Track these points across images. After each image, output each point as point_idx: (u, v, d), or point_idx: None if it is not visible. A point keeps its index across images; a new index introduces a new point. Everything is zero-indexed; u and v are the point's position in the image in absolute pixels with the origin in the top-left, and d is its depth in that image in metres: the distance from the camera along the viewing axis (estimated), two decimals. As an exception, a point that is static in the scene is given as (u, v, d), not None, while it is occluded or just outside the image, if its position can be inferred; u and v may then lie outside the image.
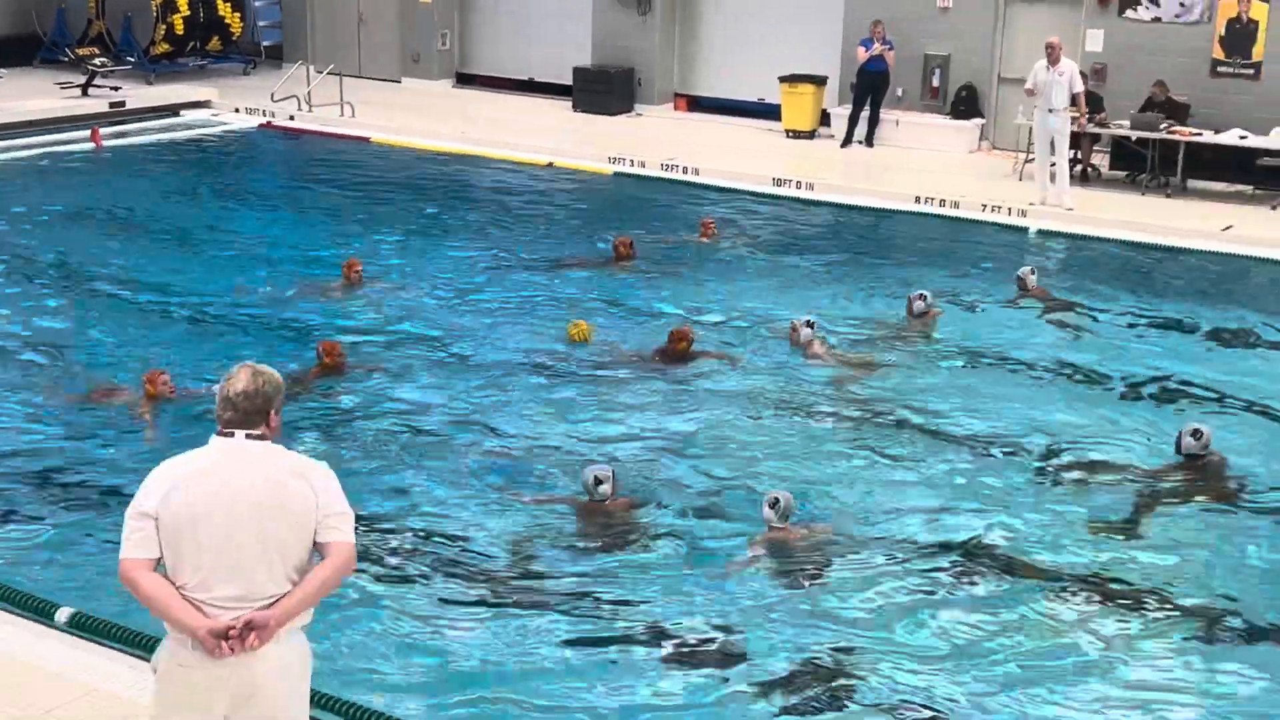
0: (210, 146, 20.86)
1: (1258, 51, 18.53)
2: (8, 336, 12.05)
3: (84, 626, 6.94)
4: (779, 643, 7.45)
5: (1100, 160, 18.74)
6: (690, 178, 18.75)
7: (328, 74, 22.14)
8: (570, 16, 23.58)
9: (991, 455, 10.06)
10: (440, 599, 7.87)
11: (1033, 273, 13.80)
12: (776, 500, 8.48)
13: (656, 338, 12.02)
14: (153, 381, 10.24)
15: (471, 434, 10.23)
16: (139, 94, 22.57)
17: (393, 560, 8.24)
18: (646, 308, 13.24)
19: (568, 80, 23.25)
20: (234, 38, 25.41)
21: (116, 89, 22.40)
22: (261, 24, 25.60)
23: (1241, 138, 17.58)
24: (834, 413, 10.79)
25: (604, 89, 22.72)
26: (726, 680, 7.11)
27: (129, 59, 23.97)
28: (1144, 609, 7.94)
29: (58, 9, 24.99)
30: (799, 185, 18.20)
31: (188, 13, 24.33)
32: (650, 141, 20.56)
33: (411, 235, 15.79)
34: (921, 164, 19.28)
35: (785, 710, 6.89)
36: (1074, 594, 8.08)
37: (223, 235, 15.58)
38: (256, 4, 25.49)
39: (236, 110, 22.34)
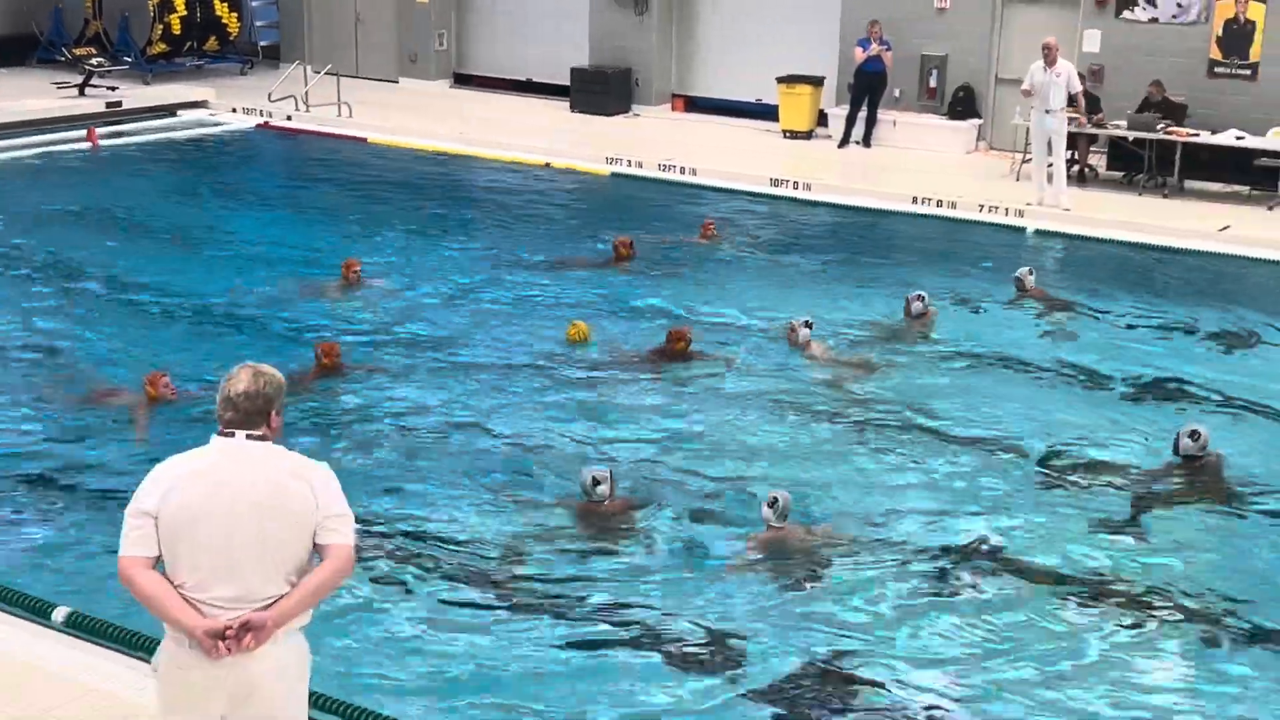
0: (207, 147, 20.85)
1: (1255, 52, 18.56)
2: (7, 337, 12.04)
3: (81, 626, 6.95)
4: (778, 644, 7.45)
5: (1097, 161, 18.75)
6: (687, 178, 18.75)
7: (325, 74, 22.13)
8: (567, 17, 23.59)
9: (989, 455, 10.06)
10: (438, 600, 7.87)
11: (1031, 273, 13.81)
12: (775, 500, 8.49)
13: (656, 338, 12.03)
14: (153, 383, 10.24)
15: (470, 435, 10.23)
16: (136, 94, 22.56)
17: (391, 561, 8.23)
18: (646, 308, 13.24)
19: (565, 81, 23.25)
20: (231, 38, 25.38)
21: (113, 89, 22.39)
22: (258, 24, 25.59)
23: (1238, 138, 17.60)
24: (832, 413, 10.79)
25: (601, 89, 22.72)
26: (726, 681, 7.11)
27: (126, 59, 23.95)
28: (1142, 609, 7.94)
29: (54, 9, 24.98)
30: (796, 186, 18.21)
31: (185, 13, 24.31)
32: (647, 142, 20.56)
33: (409, 235, 15.78)
34: (919, 164, 19.29)
35: (784, 711, 6.88)
36: (1072, 594, 8.08)
37: (220, 235, 15.58)
38: (254, 4, 25.47)
39: (233, 110, 22.33)
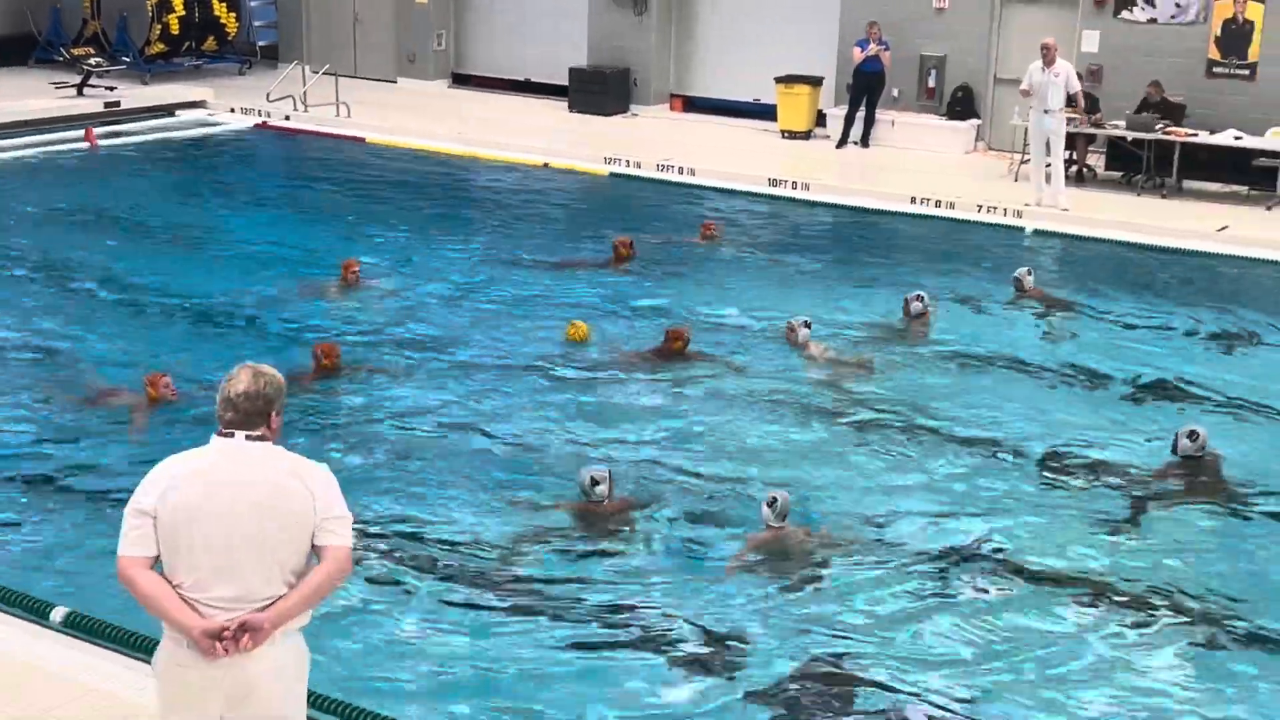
0: (205, 147, 20.84)
1: (1253, 52, 18.57)
2: (6, 337, 12.03)
3: (79, 626, 6.95)
4: (777, 644, 7.45)
5: (1096, 161, 18.76)
6: (686, 178, 18.75)
7: (323, 74, 22.13)
8: (566, 16, 23.58)
9: (987, 455, 10.06)
10: (436, 601, 7.86)
11: (1030, 274, 13.82)
12: (774, 499, 8.49)
13: (655, 338, 12.02)
14: (154, 384, 10.24)
15: (469, 435, 10.22)
16: (134, 94, 22.56)
17: (389, 562, 8.22)
18: (646, 308, 13.23)
19: (563, 80, 23.25)
20: (229, 38, 25.38)
21: (112, 89, 22.37)
22: (257, 24, 25.58)
23: (1237, 138, 17.61)
24: (831, 413, 10.80)
25: (599, 89, 22.72)
26: (725, 682, 7.11)
27: (124, 59, 23.95)
28: (1140, 610, 7.94)
29: (53, 9, 24.98)
30: (795, 186, 18.21)
31: (183, 13, 24.31)
32: (646, 142, 20.56)
33: (408, 236, 15.78)
34: (917, 164, 19.30)
35: (783, 712, 6.88)
36: (1070, 594, 8.08)
37: (219, 236, 15.57)
38: (252, 4, 25.46)
39: (232, 110, 22.32)
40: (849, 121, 20.38)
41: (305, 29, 25.52)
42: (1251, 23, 18.53)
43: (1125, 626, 7.77)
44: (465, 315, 12.99)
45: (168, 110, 22.22)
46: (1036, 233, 16.41)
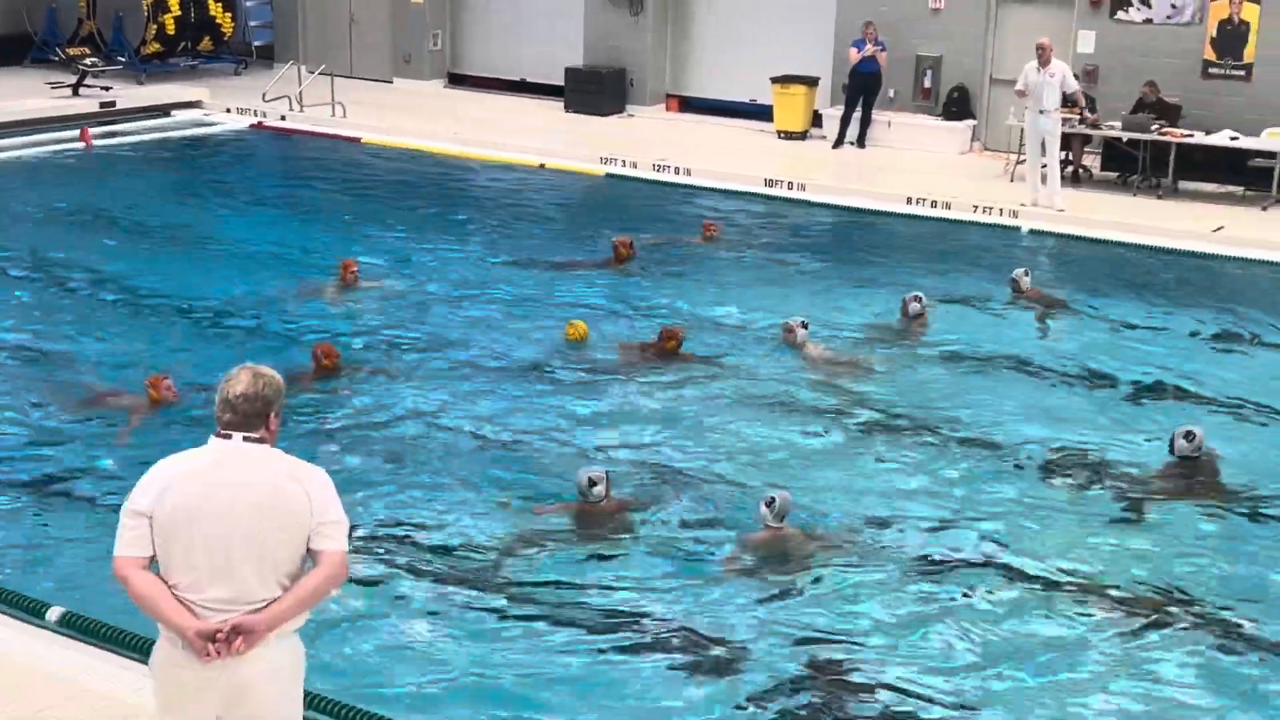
0: (201, 147, 20.82)
1: (1249, 53, 18.58)
2: (4, 338, 12.01)
3: (74, 626, 6.95)
4: (775, 644, 7.46)
5: (1091, 161, 18.78)
6: (682, 179, 18.75)
7: (319, 74, 22.12)
8: (562, 17, 23.57)
9: (985, 455, 10.07)
10: (434, 602, 7.85)
11: (1026, 274, 13.83)
12: (773, 500, 8.49)
13: (651, 338, 12.02)
14: (155, 386, 10.24)
15: (467, 435, 10.22)
16: (130, 94, 22.53)
17: (386, 564, 8.21)
18: (646, 308, 13.23)
19: (559, 81, 23.24)
20: (225, 38, 25.34)
21: (107, 89, 22.35)
22: (253, 24, 25.55)
23: (1233, 139, 17.63)
24: (828, 413, 10.80)
25: (596, 89, 22.72)
26: (724, 683, 7.11)
27: (120, 59, 23.93)
28: (1138, 610, 7.94)
29: (48, 8, 24.95)
30: (791, 186, 18.21)
31: (179, 12, 24.27)
32: (642, 142, 20.55)
33: (406, 236, 15.77)
34: (913, 165, 19.31)
35: (782, 713, 6.89)
36: (1067, 595, 8.09)
37: (216, 236, 15.55)
38: (248, 4, 25.43)
39: (228, 110, 22.30)
40: (845, 122, 20.38)
41: (301, 29, 25.50)
42: (1247, 23, 18.55)
43: (1124, 627, 7.77)
44: (464, 315, 12.99)
45: (163, 110, 22.19)
46: (1033, 233, 16.42)
